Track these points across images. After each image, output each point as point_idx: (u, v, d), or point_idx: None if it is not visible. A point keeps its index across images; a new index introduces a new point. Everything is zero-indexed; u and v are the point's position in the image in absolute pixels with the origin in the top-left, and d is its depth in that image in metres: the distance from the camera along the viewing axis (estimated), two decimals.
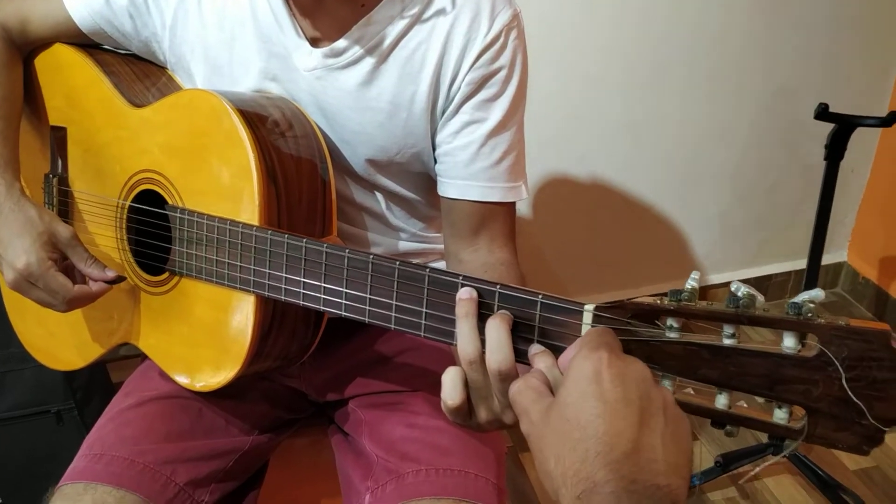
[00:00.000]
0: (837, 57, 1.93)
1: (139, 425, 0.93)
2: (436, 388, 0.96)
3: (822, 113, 1.37)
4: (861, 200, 2.17)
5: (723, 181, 2.04)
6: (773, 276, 2.14)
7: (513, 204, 0.94)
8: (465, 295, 0.63)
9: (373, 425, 0.98)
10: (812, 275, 1.47)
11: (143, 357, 1.06)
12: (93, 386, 1.44)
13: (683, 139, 1.94)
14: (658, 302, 0.57)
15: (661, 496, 0.48)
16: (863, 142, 1.98)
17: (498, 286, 0.63)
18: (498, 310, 0.63)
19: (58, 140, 0.99)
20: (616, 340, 0.56)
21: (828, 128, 1.39)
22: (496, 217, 0.92)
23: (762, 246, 2.16)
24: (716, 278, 2.12)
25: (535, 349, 0.60)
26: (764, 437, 1.74)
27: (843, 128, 1.36)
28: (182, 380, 0.91)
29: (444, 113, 0.90)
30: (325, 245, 0.73)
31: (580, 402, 0.51)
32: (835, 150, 1.39)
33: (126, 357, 1.03)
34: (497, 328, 0.60)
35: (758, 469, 1.59)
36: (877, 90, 2.01)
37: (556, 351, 0.60)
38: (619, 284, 2.08)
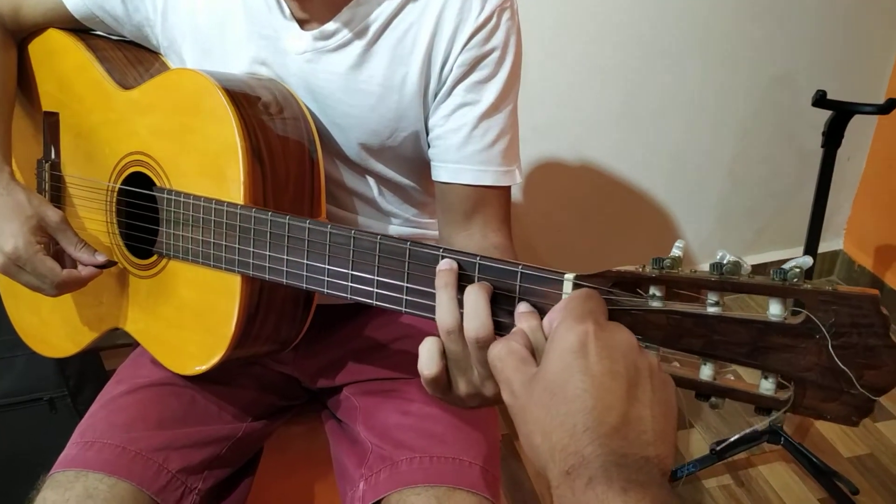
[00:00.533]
0: (835, 44, 1.91)
1: (131, 412, 0.93)
2: None
3: (820, 100, 1.36)
4: (857, 188, 2.15)
5: (719, 169, 2.02)
6: (768, 265, 2.11)
7: (507, 188, 0.93)
8: (445, 266, 0.62)
9: (367, 412, 0.97)
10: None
11: (134, 345, 1.06)
12: (86, 374, 1.44)
13: (679, 126, 1.93)
14: (640, 270, 0.55)
15: (651, 467, 0.47)
16: (859, 130, 1.96)
17: (478, 257, 0.61)
18: (478, 280, 0.61)
19: (50, 125, 0.99)
20: (601, 305, 0.54)
21: (824, 115, 1.38)
22: (490, 201, 0.91)
23: (758, 234, 2.14)
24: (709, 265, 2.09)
25: (523, 307, 0.59)
26: (759, 422, 1.73)
27: (840, 115, 1.35)
28: (169, 364, 0.90)
29: (436, 95, 0.88)
30: (308, 221, 0.72)
31: (565, 376, 0.49)
32: (832, 138, 1.38)
33: (119, 345, 1.02)
34: (475, 294, 0.59)
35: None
36: (874, 78, 1.98)
37: None
38: None
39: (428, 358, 0.62)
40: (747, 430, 1.60)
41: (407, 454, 0.89)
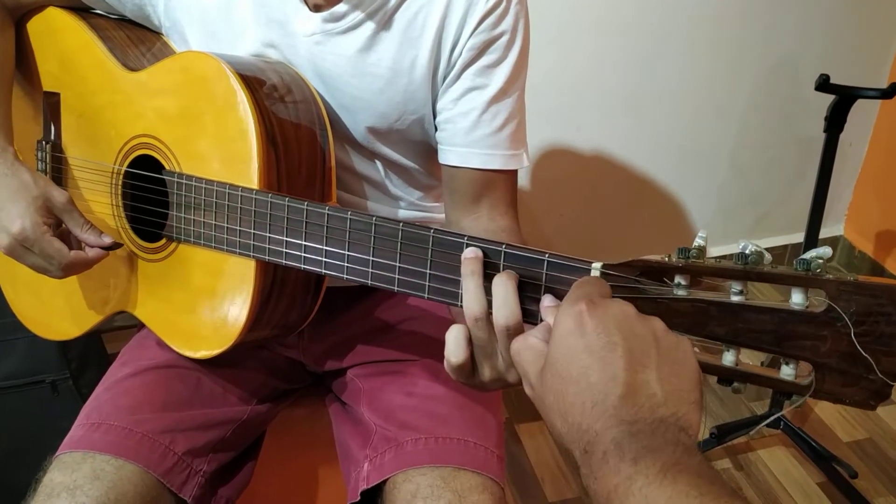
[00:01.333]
0: (837, 29, 1.93)
1: (137, 395, 0.92)
2: (435, 356, 0.97)
3: (823, 84, 1.36)
4: (859, 174, 2.17)
5: (721, 155, 2.03)
6: (769, 250, 2.14)
7: (514, 172, 0.94)
8: (471, 254, 0.63)
9: (371, 394, 0.98)
10: (810, 247, 1.48)
11: (139, 327, 1.05)
12: (88, 356, 1.43)
13: (682, 112, 1.94)
14: (666, 259, 0.57)
15: (666, 427, 0.48)
16: (861, 116, 1.98)
17: (504, 245, 0.62)
18: (504, 269, 0.62)
19: (51, 106, 0.98)
20: (598, 287, 0.56)
21: (826, 101, 1.38)
22: (497, 185, 0.92)
23: (759, 220, 2.16)
24: (713, 251, 2.12)
25: (548, 301, 0.60)
26: (758, 409, 1.76)
27: (843, 99, 1.35)
28: (180, 347, 0.90)
29: (445, 79, 0.89)
30: (328, 207, 0.72)
31: (568, 358, 0.51)
32: (835, 123, 1.38)
33: (121, 328, 1.02)
34: (504, 284, 0.60)
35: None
36: (876, 63, 2.00)
37: None
38: (615, 258, 2.08)
39: (455, 345, 0.63)
40: (770, 419, 1.62)
41: (412, 435, 0.90)
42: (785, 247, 2.16)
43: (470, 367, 0.64)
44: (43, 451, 0.91)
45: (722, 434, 1.60)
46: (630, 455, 0.46)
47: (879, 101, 1.99)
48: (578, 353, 0.51)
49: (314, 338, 1.02)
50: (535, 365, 0.55)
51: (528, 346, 0.56)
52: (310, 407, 1.09)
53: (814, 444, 1.60)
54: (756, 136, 2.02)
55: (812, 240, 1.48)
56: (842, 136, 1.40)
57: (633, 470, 0.46)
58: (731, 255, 0.56)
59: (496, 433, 0.94)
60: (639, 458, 0.46)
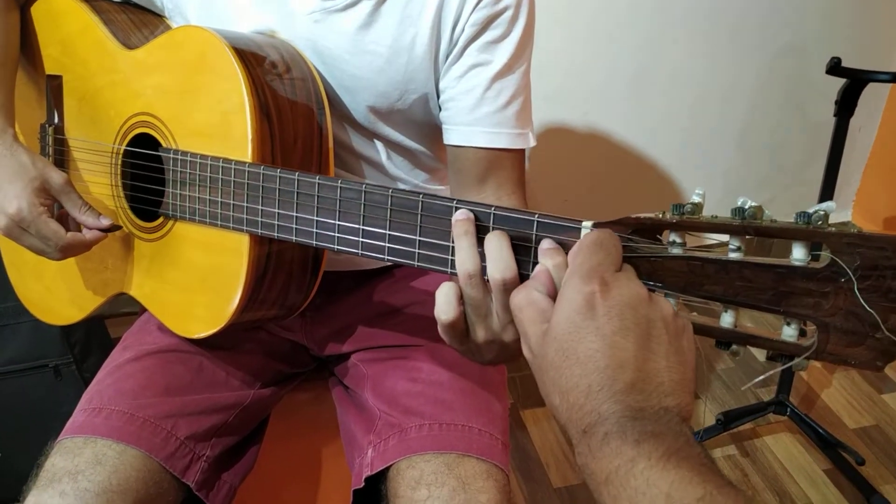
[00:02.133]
0: (847, 13, 1.89)
1: (138, 379, 0.92)
2: (440, 342, 0.95)
3: (835, 67, 1.34)
4: (867, 159, 2.14)
5: (728, 139, 2.01)
6: None
7: (521, 152, 0.91)
8: (462, 216, 0.61)
9: (375, 379, 0.96)
10: None
11: (140, 312, 1.05)
12: (91, 341, 1.44)
13: (689, 95, 1.92)
14: (660, 216, 0.54)
15: (668, 419, 0.47)
16: (871, 100, 1.94)
17: (493, 208, 0.60)
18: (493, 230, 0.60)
19: (53, 89, 0.98)
20: (611, 254, 0.53)
21: (835, 86, 1.36)
22: (503, 164, 0.90)
23: (765, 204, 2.09)
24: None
25: (546, 244, 0.58)
26: (764, 395, 1.73)
27: (854, 83, 1.33)
28: (175, 327, 0.89)
29: (447, 56, 0.87)
30: (318, 177, 0.71)
31: (577, 337, 0.49)
32: (845, 106, 1.36)
33: (124, 314, 1.01)
34: (497, 239, 0.59)
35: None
36: (887, 46, 1.96)
37: None
38: None
39: (445, 302, 0.61)
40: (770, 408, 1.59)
41: (416, 421, 0.88)
42: None
43: (463, 327, 0.62)
44: (45, 435, 0.91)
45: (728, 420, 1.58)
46: (633, 437, 0.45)
47: (889, 86, 1.96)
48: (587, 335, 0.49)
49: (318, 322, 1.01)
50: (536, 325, 0.53)
51: (530, 300, 0.54)
52: (313, 391, 1.08)
53: (820, 430, 1.58)
54: (764, 120, 1.99)
55: None
56: (851, 120, 1.38)
57: (636, 452, 0.45)
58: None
59: (501, 420, 0.92)
60: (642, 441, 0.45)
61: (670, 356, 0.49)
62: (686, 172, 2.03)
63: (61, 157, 0.98)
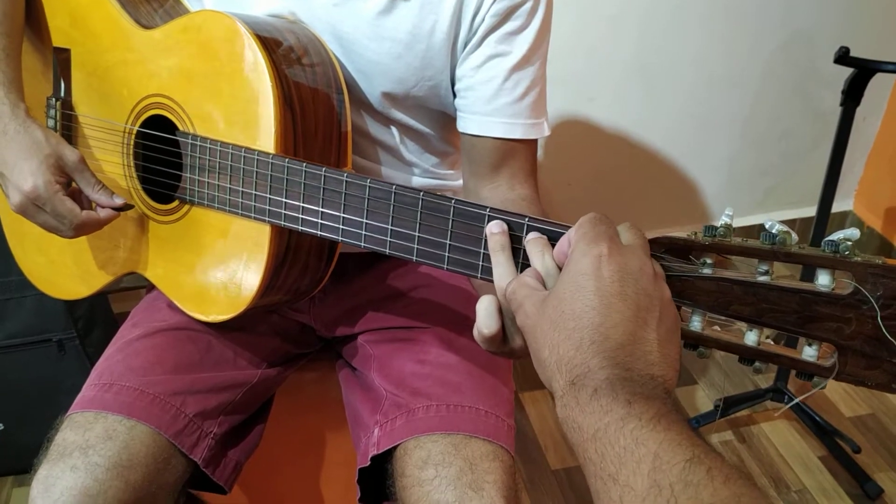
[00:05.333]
0: (854, 2, 1.89)
1: (148, 356, 0.93)
2: (447, 324, 0.97)
3: (843, 57, 1.34)
4: (871, 149, 2.15)
5: (734, 126, 2.01)
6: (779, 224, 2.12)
7: (534, 141, 0.93)
8: (497, 229, 0.62)
9: (382, 361, 0.98)
10: (821, 222, 1.47)
11: (148, 288, 1.05)
12: (94, 316, 1.44)
13: (696, 82, 1.92)
14: (693, 237, 0.56)
15: (654, 385, 0.48)
16: (876, 90, 1.95)
17: (526, 218, 0.62)
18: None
19: (61, 62, 0.96)
20: (612, 227, 0.56)
21: (840, 75, 1.36)
22: (517, 154, 0.91)
23: (769, 193, 2.15)
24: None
25: (532, 235, 0.60)
26: (762, 382, 1.77)
27: (861, 73, 1.33)
28: (191, 310, 0.90)
29: (466, 46, 0.87)
30: (346, 174, 0.71)
31: (576, 295, 0.52)
32: (852, 96, 1.36)
33: (127, 288, 1.01)
34: (541, 253, 0.60)
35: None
36: (894, 36, 1.96)
37: None
38: None
39: (486, 317, 0.62)
40: (795, 398, 1.63)
41: (423, 402, 0.90)
42: (793, 221, 2.14)
43: (501, 337, 0.64)
44: (49, 409, 0.92)
45: (727, 406, 1.60)
46: (624, 397, 0.47)
47: (895, 76, 1.96)
48: (588, 293, 0.51)
49: (325, 303, 1.02)
50: (532, 296, 0.55)
51: (522, 283, 0.57)
52: (319, 371, 1.09)
53: (817, 418, 1.60)
54: (770, 108, 2.00)
55: (824, 214, 1.47)
56: (857, 109, 1.39)
57: (626, 412, 0.46)
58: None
59: (507, 403, 0.94)
60: (633, 402, 0.46)
61: (661, 331, 0.52)
62: (691, 158, 2.03)
63: (68, 133, 0.97)
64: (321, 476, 1.09)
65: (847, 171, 2.03)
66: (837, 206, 1.78)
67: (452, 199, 0.65)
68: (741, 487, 0.42)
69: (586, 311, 0.50)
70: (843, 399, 1.75)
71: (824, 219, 1.47)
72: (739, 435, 1.66)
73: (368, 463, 0.90)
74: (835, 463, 1.58)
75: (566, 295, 0.52)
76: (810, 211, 1.51)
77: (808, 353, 0.55)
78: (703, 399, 1.75)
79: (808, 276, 0.59)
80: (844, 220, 2.24)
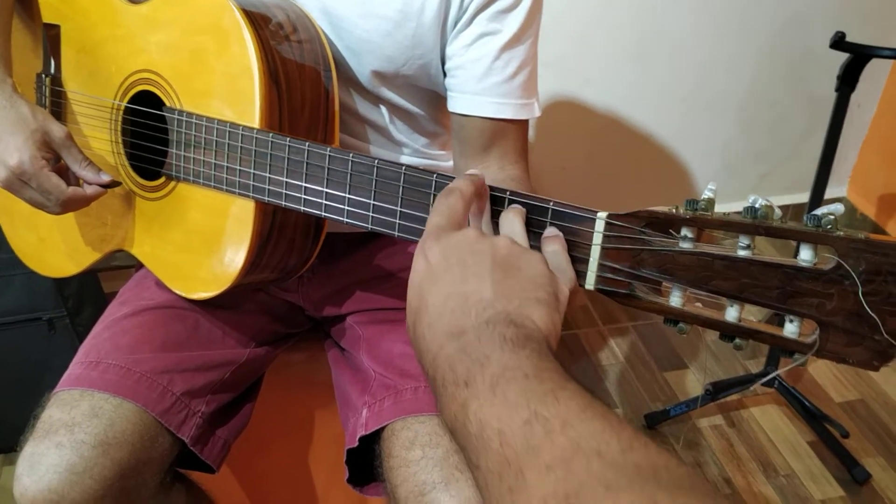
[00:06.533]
0: None
1: (135, 334, 0.92)
2: None
3: (838, 42, 1.33)
4: (865, 136, 2.15)
5: (727, 111, 2.00)
6: None
7: (525, 121, 0.92)
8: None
9: (371, 341, 0.98)
10: (814, 207, 1.45)
11: (137, 267, 1.05)
12: (84, 295, 1.44)
13: (690, 66, 1.91)
14: (673, 211, 0.56)
15: (493, 328, 0.49)
16: (871, 76, 1.94)
17: (508, 192, 0.61)
18: None
19: (51, 38, 0.95)
20: (443, 215, 0.57)
21: (836, 61, 1.35)
22: (508, 134, 0.90)
23: (762, 178, 2.14)
24: (715, 208, 2.09)
25: (550, 232, 0.59)
26: (753, 367, 1.77)
27: (857, 58, 1.32)
28: (176, 288, 0.89)
29: (456, 24, 0.86)
30: (329, 149, 0.71)
31: (421, 291, 0.54)
32: (847, 81, 1.35)
33: (118, 267, 1.01)
34: (511, 221, 0.59)
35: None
36: (890, 22, 1.95)
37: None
38: (618, 210, 2.06)
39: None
40: (766, 378, 1.63)
41: (412, 383, 0.90)
42: (787, 207, 2.14)
43: None
44: (38, 387, 0.91)
45: (717, 391, 1.61)
46: (462, 377, 0.47)
47: (891, 63, 1.95)
48: (427, 284, 0.53)
49: (314, 283, 1.02)
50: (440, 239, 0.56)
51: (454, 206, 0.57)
52: (308, 351, 1.09)
53: (806, 403, 1.61)
54: (764, 92, 1.99)
55: (817, 200, 1.46)
56: (851, 96, 1.38)
57: (467, 394, 0.46)
58: (734, 212, 0.55)
59: None
60: (469, 380, 0.46)
61: (496, 273, 0.52)
62: (685, 142, 2.03)
63: (58, 110, 0.97)
64: (309, 456, 1.09)
65: (841, 156, 2.03)
66: (831, 193, 1.78)
67: (434, 174, 0.65)
68: (585, 425, 0.41)
69: (424, 301, 0.52)
70: (832, 384, 1.76)
71: (817, 205, 1.46)
72: (729, 419, 1.67)
73: (357, 443, 0.90)
74: (823, 448, 1.59)
75: (412, 299, 0.54)
76: (803, 197, 1.50)
77: (790, 329, 0.54)
78: (694, 383, 1.75)
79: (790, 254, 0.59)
80: None
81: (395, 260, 1.03)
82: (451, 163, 1.02)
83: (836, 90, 1.37)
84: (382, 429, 0.89)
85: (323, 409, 1.10)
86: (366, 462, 0.92)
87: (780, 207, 1.75)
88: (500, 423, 0.43)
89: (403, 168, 0.66)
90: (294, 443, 1.11)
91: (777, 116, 2.04)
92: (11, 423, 1.41)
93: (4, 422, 1.44)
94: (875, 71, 1.90)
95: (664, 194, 2.08)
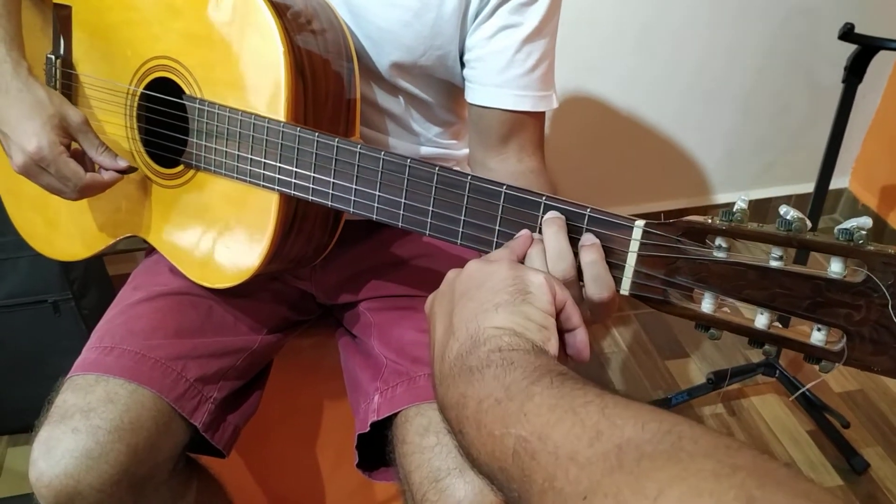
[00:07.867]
0: None
1: (149, 320, 0.92)
2: None
3: (847, 33, 1.32)
4: (869, 127, 2.15)
5: (733, 100, 2.00)
6: (772, 200, 2.13)
7: (543, 113, 0.93)
8: (553, 213, 0.62)
9: (382, 328, 0.98)
10: (819, 199, 1.47)
11: (147, 250, 1.04)
12: (89, 278, 1.43)
13: (695, 55, 1.91)
14: (709, 221, 0.57)
15: (464, 357, 0.51)
16: (876, 68, 1.95)
17: (544, 197, 0.62)
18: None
19: (61, 19, 0.94)
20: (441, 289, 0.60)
21: (844, 50, 1.35)
22: (526, 126, 0.91)
23: (766, 168, 2.14)
24: (719, 198, 2.11)
25: (587, 240, 0.61)
26: (753, 356, 1.78)
27: (866, 50, 1.32)
28: (194, 276, 0.89)
29: (477, 16, 0.86)
30: (359, 146, 0.71)
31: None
32: (854, 73, 1.35)
33: (124, 251, 1.00)
34: (556, 237, 0.61)
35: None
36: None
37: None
38: (620, 200, 2.07)
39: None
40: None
41: (425, 370, 0.91)
42: (789, 197, 2.15)
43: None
44: (43, 369, 0.91)
45: (718, 380, 1.61)
46: (456, 427, 0.50)
47: None
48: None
49: (327, 270, 1.02)
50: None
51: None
52: (316, 338, 1.10)
53: (807, 392, 1.62)
54: (769, 82, 1.99)
55: (822, 192, 1.46)
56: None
57: (465, 442, 0.49)
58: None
59: None
60: (461, 428, 0.49)
61: (456, 306, 0.55)
62: (688, 131, 2.03)
63: (68, 92, 0.95)
64: (317, 441, 1.10)
65: (844, 147, 2.02)
66: (833, 184, 1.81)
67: (469, 175, 0.65)
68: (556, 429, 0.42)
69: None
70: (832, 375, 1.77)
71: (822, 196, 1.46)
72: (730, 408, 1.68)
73: (368, 429, 0.91)
74: (823, 437, 1.60)
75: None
76: (807, 187, 1.51)
77: (817, 337, 0.57)
78: (696, 372, 1.76)
79: (801, 258, 0.61)
80: (839, 196, 2.24)
81: (408, 248, 1.03)
82: (463, 152, 1.03)
83: (844, 81, 1.37)
84: (395, 415, 0.89)
85: (331, 394, 1.11)
86: (375, 448, 0.93)
87: (785, 197, 1.77)
88: (496, 462, 0.45)
89: (437, 168, 0.67)
90: (302, 428, 1.12)
91: (781, 106, 2.04)
92: (14, 404, 1.41)
93: (7, 404, 1.44)
94: (880, 62, 1.91)
95: (669, 183, 2.09)
